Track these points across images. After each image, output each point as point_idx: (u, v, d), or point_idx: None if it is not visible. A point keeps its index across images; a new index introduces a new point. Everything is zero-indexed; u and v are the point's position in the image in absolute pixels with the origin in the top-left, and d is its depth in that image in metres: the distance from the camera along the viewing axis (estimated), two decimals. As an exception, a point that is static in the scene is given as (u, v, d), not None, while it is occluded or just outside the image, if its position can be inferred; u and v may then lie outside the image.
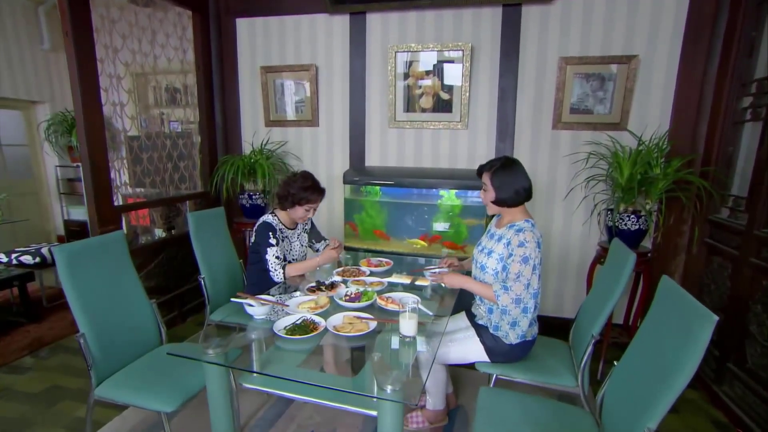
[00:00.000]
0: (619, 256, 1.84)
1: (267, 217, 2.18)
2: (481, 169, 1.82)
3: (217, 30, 3.40)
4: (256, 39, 3.37)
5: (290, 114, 3.40)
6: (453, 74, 2.99)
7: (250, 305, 1.62)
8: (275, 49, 3.34)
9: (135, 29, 2.87)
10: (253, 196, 3.22)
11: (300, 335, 1.46)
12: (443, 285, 1.93)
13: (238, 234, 3.28)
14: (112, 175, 2.91)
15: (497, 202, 1.77)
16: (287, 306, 1.69)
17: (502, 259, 1.73)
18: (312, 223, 2.48)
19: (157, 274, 3.07)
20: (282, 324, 1.53)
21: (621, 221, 2.51)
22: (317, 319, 1.57)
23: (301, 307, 1.69)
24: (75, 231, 5.00)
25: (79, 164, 3.54)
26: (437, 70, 3.02)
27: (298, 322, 1.52)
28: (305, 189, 2.13)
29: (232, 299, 1.69)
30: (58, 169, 5.02)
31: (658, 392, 1.10)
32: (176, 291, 3.22)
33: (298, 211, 2.18)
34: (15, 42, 4.66)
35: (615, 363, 1.50)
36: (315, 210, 2.23)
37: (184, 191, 3.40)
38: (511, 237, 1.71)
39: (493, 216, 1.93)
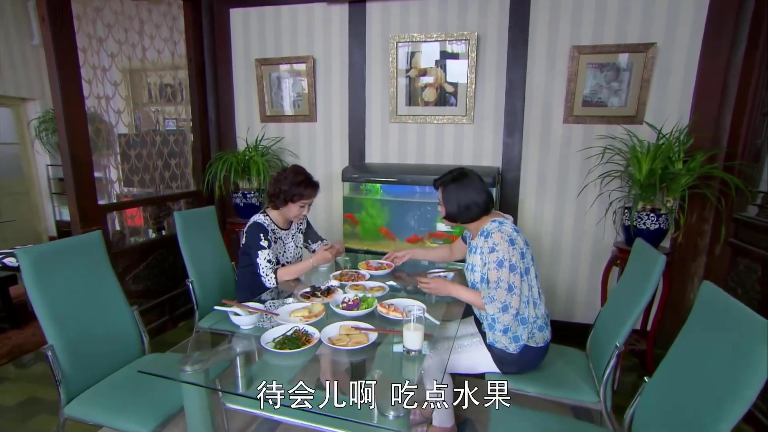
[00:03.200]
0: (643, 258, 1.67)
1: (258, 217, 2.02)
2: (435, 183, 1.73)
3: (209, 21, 3.24)
4: (251, 30, 3.21)
5: (287, 109, 3.24)
6: (458, 65, 2.82)
7: (236, 314, 1.46)
8: (271, 40, 3.18)
9: (121, 18, 2.71)
10: (248, 195, 3.06)
11: (290, 349, 1.29)
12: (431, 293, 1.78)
13: (231, 235, 3.12)
14: (102, 173, 2.77)
15: (448, 217, 1.69)
16: (277, 315, 1.52)
17: (481, 271, 1.62)
18: (308, 222, 2.32)
19: (146, 277, 2.91)
20: (270, 336, 1.36)
21: (639, 220, 2.34)
22: (310, 329, 1.40)
23: (293, 315, 1.52)
24: (67, 232, 4.84)
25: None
26: (441, 62, 2.85)
27: (288, 334, 1.36)
28: (297, 184, 1.97)
29: (215, 308, 1.52)
30: (49, 168, 4.88)
31: (708, 419, 0.93)
32: (167, 295, 3.06)
33: (292, 209, 2.02)
34: (4, 38, 4.52)
35: (645, 379, 1.34)
36: (310, 206, 2.07)
37: (176, 190, 3.24)
38: (482, 245, 1.61)
39: None
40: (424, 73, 2.89)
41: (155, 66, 3.07)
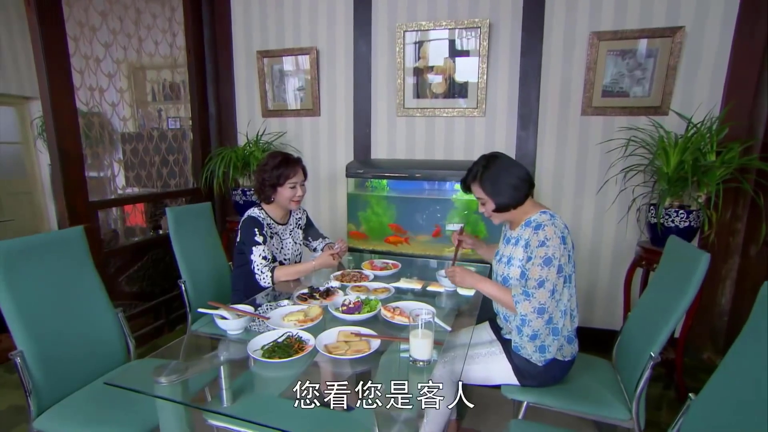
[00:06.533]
0: (680, 257, 1.49)
1: (252, 211, 1.88)
2: (466, 183, 1.54)
3: (210, 11, 3.13)
4: (252, 21, 3.08)
5: (289, 103, 3.10)
6: (468, 55, 2.66)
7: (223, 317, 1.31)
8: (272, 31, 3.05)
9: (116, 7, 2.60)
10: (248, 192, 2.92)
11: (280, 358, 1.13)
12: (453, 283, 1.63)
13: (231, 233, 2.98)
14: (98, 170, 2.66)
15: (500, 208, 1.49)
16: (268, 318, 1.37)
17: (523, 265, 1.44)
18: (308, 218, 2.17)
19: (141, 278, 2.78)
20: (259, 342, 1.20)
21: (667, 217, 2.15)
22: (305, 335, 1.25)
23: (286, 319, 1.37)
24: (68, 232, 4.77)
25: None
26: (450, 51, 2.69)
27: (279, 341, 1.20)
28: (277, 166, 1.85)
29: (199, 310, 1.37)
30: (52, 168, 4.81)
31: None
32: (163, 296, 2.93)
33: (284, 194, 1.88)
34: (6, 35, 4.45)
35: (691, 396, 1.15)
36: (303, 187, 1.93)
37: (174, 188, 3.12)
38: (529, 236, 1.42)
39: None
40: (432, 63, 2.73)
41: (153, 58, 2.95)
